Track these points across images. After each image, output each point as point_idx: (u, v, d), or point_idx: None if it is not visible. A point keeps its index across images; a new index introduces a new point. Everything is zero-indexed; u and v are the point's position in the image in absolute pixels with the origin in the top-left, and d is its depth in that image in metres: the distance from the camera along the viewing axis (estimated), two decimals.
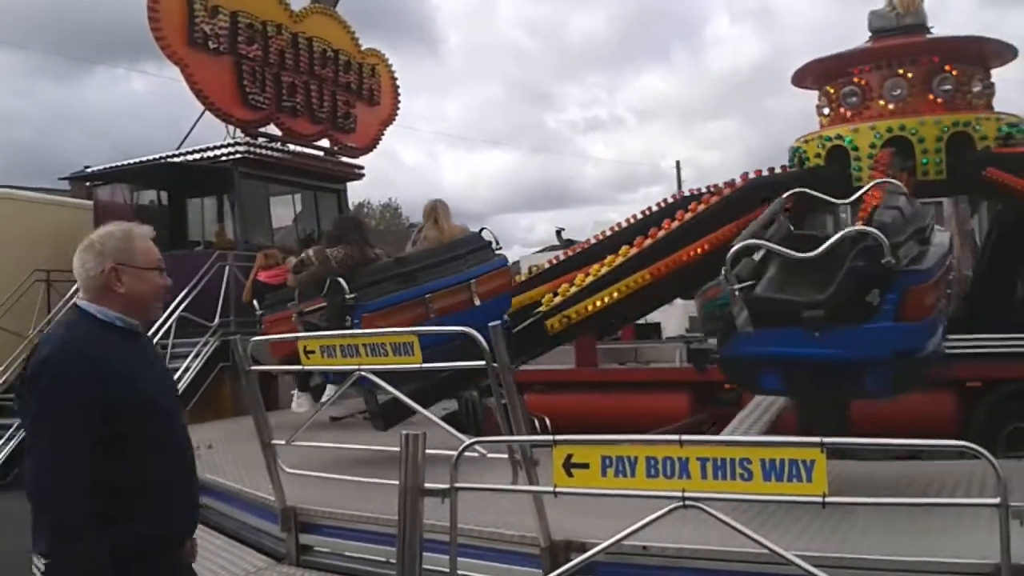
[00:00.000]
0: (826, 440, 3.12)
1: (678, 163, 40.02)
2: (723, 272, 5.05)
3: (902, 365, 4.78)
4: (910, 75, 9.97)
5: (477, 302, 7.41)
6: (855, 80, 10.33)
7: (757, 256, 5.31)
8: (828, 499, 3.09)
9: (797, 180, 9.11)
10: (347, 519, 5.43)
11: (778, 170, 10.31)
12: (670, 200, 10.87)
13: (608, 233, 10.48)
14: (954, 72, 9.96)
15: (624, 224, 10.48)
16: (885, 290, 4.69)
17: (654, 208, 10.57)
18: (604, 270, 8.25)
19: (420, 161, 75.45)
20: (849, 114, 10.34)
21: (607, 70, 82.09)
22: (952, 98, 9.92)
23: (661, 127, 74.86)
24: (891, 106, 10.00)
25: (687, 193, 11.06)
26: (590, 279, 8.11)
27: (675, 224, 8.93)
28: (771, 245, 5.16)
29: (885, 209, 5.27)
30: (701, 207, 9.23)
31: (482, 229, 8.07)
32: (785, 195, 6.41)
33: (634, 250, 8.54)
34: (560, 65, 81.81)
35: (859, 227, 4.85)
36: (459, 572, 3.87)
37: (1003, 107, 10.59)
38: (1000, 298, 9.81)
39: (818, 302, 4.74)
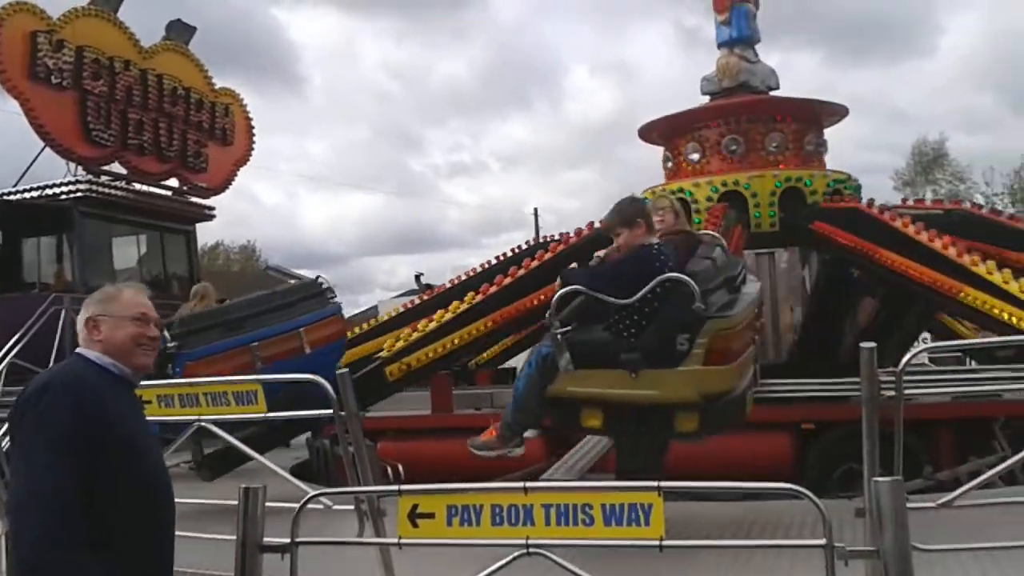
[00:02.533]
0: (663, 484, 3.21)
1: (536, 210, 40.68)
2: (547, 315, 5.21)
3: (709, 407, 5.03)
4: (745, 133, 10.58)
5: (308, 350, 7.32)
6: (696, 137, 10.89)
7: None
8: (665, 542, 3.17)
9: None
10: None
11: None
12: (523, 247, 11.09)
13: (462, 278, 10.57)
14: (786, 130, 10.62)
15: (479, 270, 10.61)
16: (695, 335, 4.92)
17: (508, 254, 10.76)
18: (448, 316, 8.30)
19: (280, 202, 74.07)
20: (690, 168, 10.89)
21: (470, 116, 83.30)
22: (784, 155, 10.57)
23: (523, 174, 76.31)
24: (727, 162, 10.58)
25: (543, 239, 11.32)
26: (433, 325, 8.15)
27: (520, 272, 9.12)
28: (591, 292, 5.22)
29: (699, 259, 5.53)
30: (548, 256, 9.45)
31: (317, 277, 8.07)
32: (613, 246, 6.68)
33: (479, 297, 8.65)
34: (424, 109, 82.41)
35: (672, 275, 5.03)
36: None
37: (837, 163, 11.38)
38: (826, 344, 10.42)
39: (633, 345, 4.96)
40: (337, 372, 4.44)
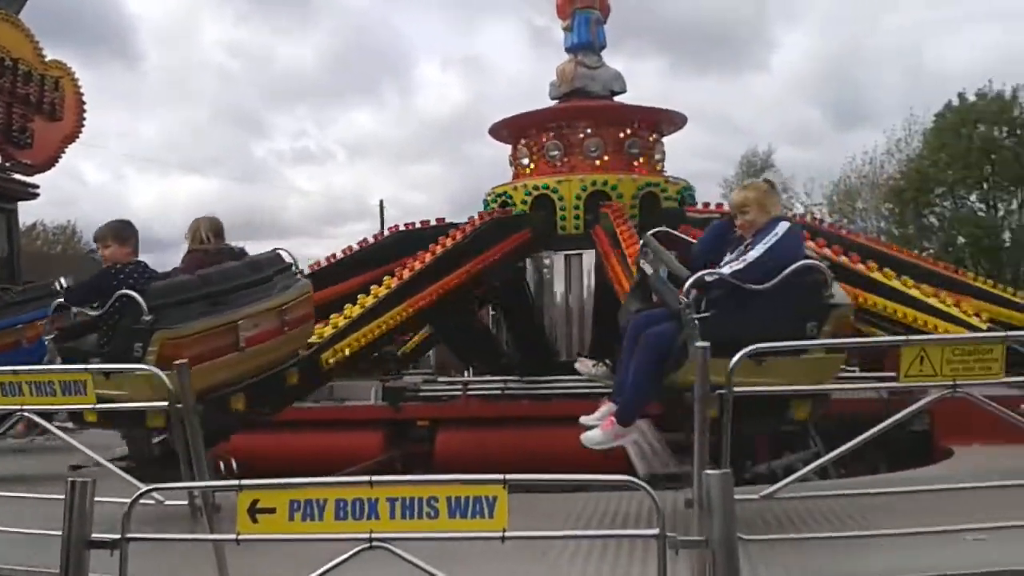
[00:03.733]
0: (508, 477, 3.29)
1: (381, 202, 40.44)
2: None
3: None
4: (566, 138, 11.02)
5: (287, 331, 6.56)
6: (527, 141, 11.23)
7: None
8: (507, 534, 3.25)
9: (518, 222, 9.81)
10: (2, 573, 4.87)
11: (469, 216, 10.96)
12: (387, 233, 11.13)
13: (323, 264, 10.52)
14: (605, 136, 11.10)
15: (340, 256, 10.57)
16: (145, 343, 5.30)
17: (371, 240, 10.78)
18: (371, 301, 8.21)
19: (106, 182, 70.00)
20: (521, 170, 11.25)
21: (317, 103, 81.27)
22: (602, 159, 11.05)
23: (369, 164, 75.12)
24: (550, 165, 10.98)
25: (403, 227, 11.35)
26: (359, 311, 8.02)
27: (429, 257, 9.17)
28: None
29: (179, 273, 6.16)
30: (449, 242, 9.54)
31: (275, 250, 7.15)
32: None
33: (395, 281, 8.64)
34: (267, 93, 79.72)
35: (126, 291, 5.44)
36: None
37: (675, 169, 11.87)
38: (609, 342, 10.90)
39: (100, 346, 5.38)
40: (176, 363, 4.28)
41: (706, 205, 12.18)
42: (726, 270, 4.95)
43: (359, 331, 7.93)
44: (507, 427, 9.41)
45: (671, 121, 11.99)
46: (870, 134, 56.86)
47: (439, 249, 9.44)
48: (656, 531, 3.22)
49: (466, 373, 12.88)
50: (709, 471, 3.40)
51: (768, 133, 69.51)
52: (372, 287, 8.56)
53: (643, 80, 58.85)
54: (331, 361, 7.45)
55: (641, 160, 11.42)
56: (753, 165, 41.27)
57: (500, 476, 3.30)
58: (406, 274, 8.89)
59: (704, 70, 61.96)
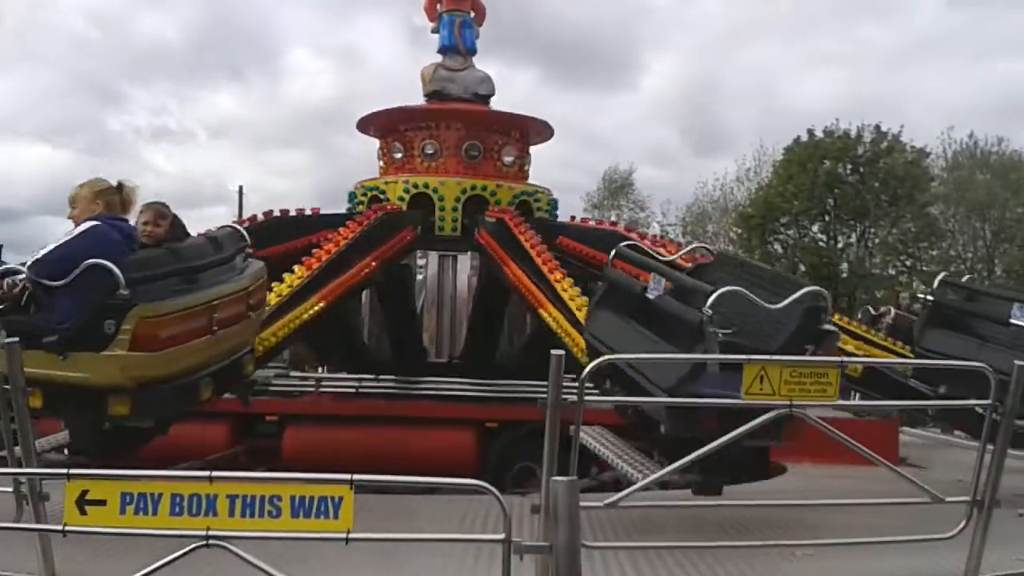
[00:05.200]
0: (356, 477, 3.24)
1: (241, 187, 39.11)
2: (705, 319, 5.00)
3: (141, 393, 5.09)
4: (442, 140, 11.09)
5: (251, 315, 6.21)
6: (400, 137, 11.23)
7: None
8: (351, 535, 3.20)
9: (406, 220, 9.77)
10: None
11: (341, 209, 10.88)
12: (261, 218, 10.78)
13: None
14: (485, 141, 11.21)
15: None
16: (120, 320, 4.92)
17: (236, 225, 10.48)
18: (287, 291, 7.93)
19: None
20: (393, 166, 11.23)
21: (178, 79, 77.85)
22: (478, 163, 11.14)
23: (231, 148, 72.53)
24: (423, 164, 11.04)
25: (277, 213, 11.04)
26: (276, 300, 7.72)
27: (333, 249, 8.94)
28: (750, 295, 5.15)
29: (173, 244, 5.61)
30: (350, 234, 9.37)
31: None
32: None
33: (306, 271, 8.38)
34: (126, 65, 75.88)
35: (95, 260, 4.93)
36: None
37: (539, 179, 12.02)
38: (485, 347, 11.05)
39: (55, 329, 4.87)
40: (4, 341, 4.02)
41: (585, 220, 12.46)
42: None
43: (278, 323, 7.70)
44: (359, 425, 9.29)
45: (539, 132, 12.12)
46: (723, 162, 59.23)
47: (342, 241, 9.23)
48: (502, 536, 3.25)
49: (320, 369, 12.64)
50: (556, 477, 3.45)
51: (631, 152, 71.19)
52: (286, 276, 8.31)
53: (515, 89, 59.49)
54: (258, 350, 7.18)
55: (515, 168, 11.51)
56: (614, 181, 42.28)
57: (347, 476, 3.25)
58: (315, 264, 8.66)
59: (576, 84, 62.94)
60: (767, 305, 5.03)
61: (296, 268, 8.57)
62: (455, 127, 11.19)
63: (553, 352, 3.97)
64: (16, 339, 4.06)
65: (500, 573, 3.32)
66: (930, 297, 7.32)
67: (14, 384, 3.92)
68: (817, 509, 5.12)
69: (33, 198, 67.24)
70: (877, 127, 33.33)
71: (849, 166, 33.56)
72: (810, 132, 33.96)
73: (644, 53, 63.81)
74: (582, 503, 3.45)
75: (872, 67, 51.79)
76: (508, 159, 11.45)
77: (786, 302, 4.99)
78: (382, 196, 10.86)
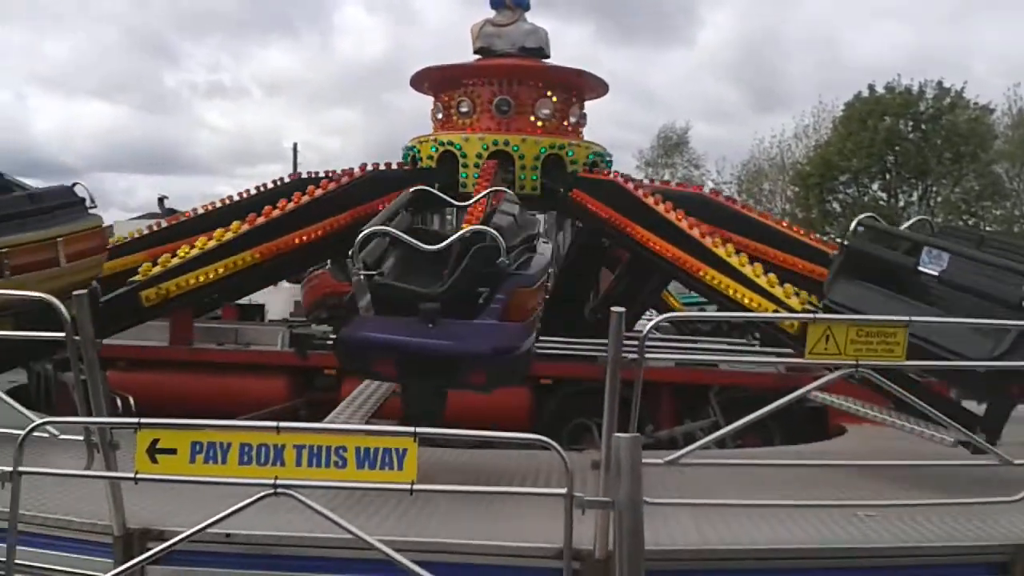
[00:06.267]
0: (419, 429, 3.27)
1: (295, 145, 39.50)
2: (350, 255, 5.07)
3: (499, 361, 5.11)
4: (516, 95, 10.86)
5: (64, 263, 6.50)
6: (468, 92, 10.99)
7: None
8: (416, 487, 3.24)
9: (413, 178, 9.55)
10: None
11: (395, 166, 10.69)
12: (286, 180, 10.76)
13: (217, 206, 10.12)
14: (554, 99, 10.97)
15: (236, 199, 10.20)
16: (495, 290, 4.97)
17: (269, 186, 10.41)
18: (212, 244, 7.90)
19: (6, 102, 66.53)
20: (461, 123, 10.99)
21: (232, 35, 78.45)
22: (550, 122, 10.93)
23: (285, 105, 72.96)
24: (495, 120, 10.81)
25: (308, 175, 11.03)
26: (195, 252, 7.72)
27: (291, 205, 8.85)
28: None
29: (502, 215, 5.60)
30: (319, 192, 9.24)
31: (75, 184, 7.10)
32: (412, 190, 6.66)
33: (245, 226, 8.30)
34: (181, 20, 76.42)
35: (478, 227, 5.09)
36: (20, 562, 3.52)
37: (590, 135, 11.84)
38: (572, 307, 10.98)
39: (435, 295, 4.93)
40: (74, 293, 4.11)
41: (665, 182, 12.19)
42: None
43: (193, 272, 7.71)
44: None
45: (591, 87, 11.91)
46: (781, 118, 57.96)
47: (304, 199, 9.20)
48: (564, 490, 3.27)
49: None
50: (619, 434, 3.45)
51: (686, 109, 70.17)
52: (218, 229, 8.32)
53: (567, 44, 58.75)
54: (151, 298, 7.26)
55: (552, 122, 11.34)
56: (669, 139, 41.75)
57: (411, 428, 3.28)
58: (260, 220, 8.63)
59: (630, 39, 62.08)
60: (422, 245, 5.04)
61: (235, 223, 8.50)
62: (499, 82, 11.04)
63: (613, 309, 3.95)
64: (86, 291, 4.15)
65: (559, 527, 3.35)
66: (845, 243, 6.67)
67: (84, 335, 4.01)
68: (880, 470, 5.06)
69: (90, 154, 68.53)
70: (939, 83, 32.44)
71: (911, 123, 32.73)
72: (871, 88, 33.14)
73: (701, 6, 62.75)
74: (643, 460, 3.45)
75: (935, 21, 50.38)
76: (574, 117, 11.32)
77: (446, 242, 5.01)
78: (458, 152, 10.74)
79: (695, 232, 8.54)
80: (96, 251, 7.07)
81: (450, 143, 10.80)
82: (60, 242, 6.48)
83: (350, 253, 5.01)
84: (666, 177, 36.13)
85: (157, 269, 7.32)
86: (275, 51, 73.48)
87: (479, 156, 10.50)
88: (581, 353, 9.50)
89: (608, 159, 11.45)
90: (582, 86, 11.47)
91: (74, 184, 7.09)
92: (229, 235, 8.08)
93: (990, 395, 5.36)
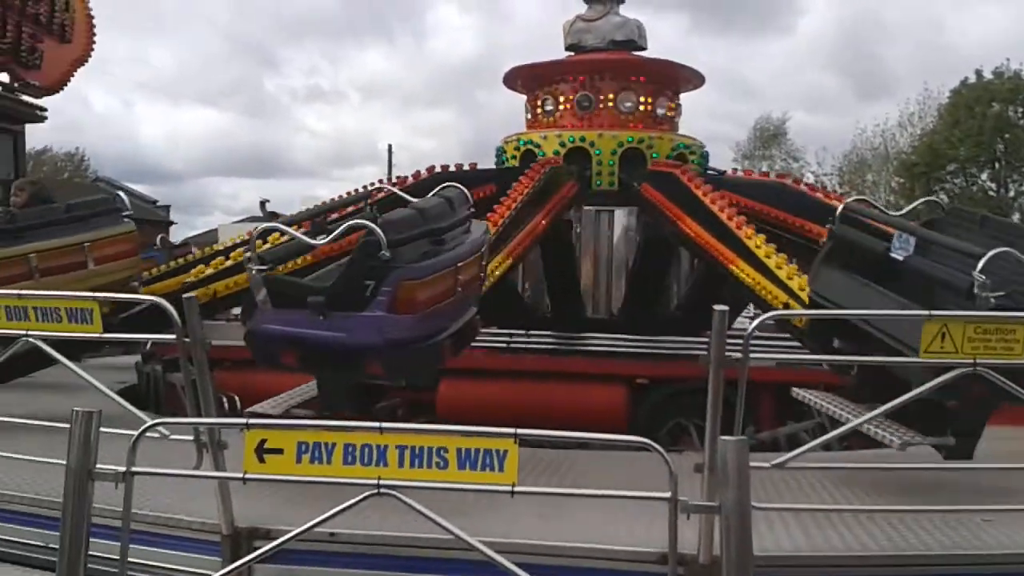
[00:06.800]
0: (519, 431, 3.24)
1: (390, 146, 40.31)
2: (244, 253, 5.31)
3: (395, 353, 5.15)
4: (597, 90, 10.82)
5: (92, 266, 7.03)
6: (551, 90, 11.03)
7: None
8: (516, 488, 3.22)
9: (482, 177, 9.72)
10: (4, 500, 4.86)
11: (466, 167, 10.89)
12: (424, 175, 11.02)
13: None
14: (638, 91, 10.87)
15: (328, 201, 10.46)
16: (380, 283, 4.99)
17: (360, 190, 10.65)
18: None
19: (114, 110, 69.46)
20: (546, 120, 11.05)
21: (330, 39, 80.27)
22: (634, 115, 10.83)
23: (380, 107, 74.35)
24: (576, 117, 10.82)
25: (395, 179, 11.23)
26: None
27: (513, 205, 9.14)
28: (288, 229, 5.72)
29: (402, 208, 5.75)
30: (524, 189, 9.43)
31: (116, 194, 7.97)
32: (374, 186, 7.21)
33: (492, 228, 8.56)
34: (281, 26, 78.62)
35: (360, 221, 5.29)
36: (132, 560, 3.63)
37: (687, 129, 11.66)
38: (647, 303, 10.85)
39: (321, 288, 5.09)
40: (184, 296, 4.22)
41: (748, 172, 12.00)
42: None
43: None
44: (510, 380, 9.37)
45: (684, 78, 11.74)
46: (884, 106, 56.31)
47: (519, 196, 9.29)
48: (668, 494, 3.20)
49: None
50: (724, 437, 3.36)
51: (783, 99, 68.79)
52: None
53: (662, 36, 58.21)
54: None
55: (636, 115, 11.21)
56: (766, 131, 40.90)
57: (511, 430, 3.26)
58: (499, 221, 8.74)
59: (726, 30, 61.10)
60: (304, 239, 5.13)
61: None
62: (608, 78, 10.96)
63: (716, 307, 3.85)
64: (194, 295, 4.26)
65: (658, 531, 3.28)
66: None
67: (193, 336, 4.11)
68: (994, 473, 4.83)
69: (196, 159, 71.00)
70: None
71: (1020, 109, 31.30)
72: (978, 73, 31.91)
73: None
74: (750, 463, 3.34)
75: None
76: (661, 110, 11.16)
77: (330, 237, 5.00)
78: (537, 151, 10.78)
79: (732, 223, 8.40)
80: (126, 255, 7.63)
81: (530, 142, 10.87)
82: (87, 247, 7.14)
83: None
84: (764, 168, 35.39)
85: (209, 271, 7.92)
86: (371, 54, 74.93)
87: (556, 153, 10.52)
88: (678, 352, 9.37)
89: (701, 152, 11.26)
90: (673, 77, 11.32)
91: (116, 195, 8.01)
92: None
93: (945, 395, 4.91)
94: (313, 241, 5.50)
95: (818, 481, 5.08)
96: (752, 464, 3.42)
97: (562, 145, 10.56)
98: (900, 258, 5.45)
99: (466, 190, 6.44)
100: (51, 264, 6.85)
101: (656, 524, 3.31)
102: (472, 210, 6.41)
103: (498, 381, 9.48)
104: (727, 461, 3.21)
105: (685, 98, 11.86)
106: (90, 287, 6.46)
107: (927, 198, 7.18)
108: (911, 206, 7.04)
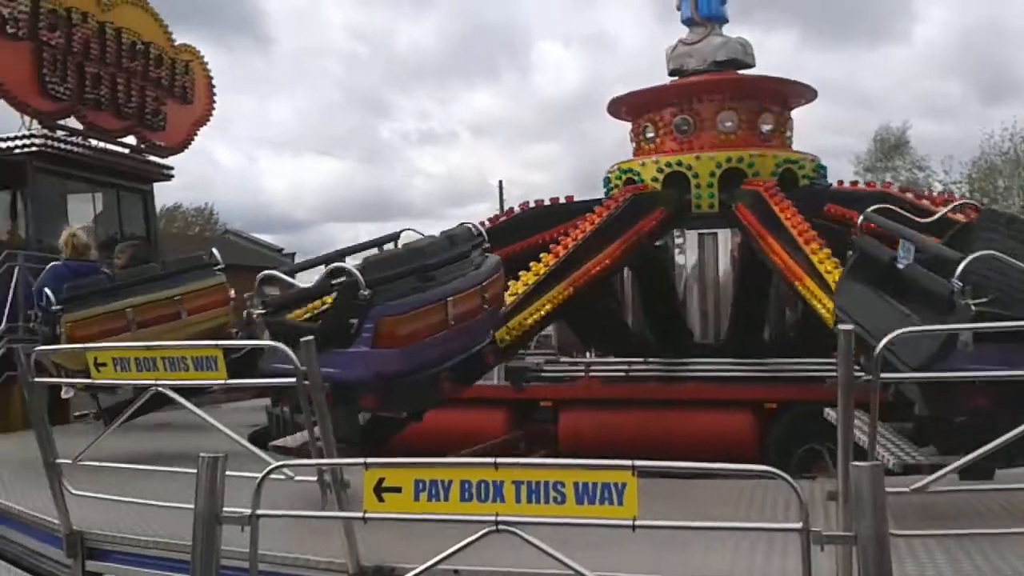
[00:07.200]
0: (637, 464, 3.14)
1: (500, 183, 40.89)
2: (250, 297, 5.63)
3: (386, 386, 5.35)
4: (696, 113, 10.69)
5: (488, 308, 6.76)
6: (650, 116, 10.95)
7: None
8: (638, 522, 3.11)
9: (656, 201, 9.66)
10: (138, 544, 5.04)
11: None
12: (517, 210, 11.09)
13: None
14: (739, 110, 10.70)
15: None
16: (362, 320, 5.24)
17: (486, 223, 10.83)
18: (532, 279, 8.24)
19: (240, 164, 72.80)
20: (647, 147, 10.95)
21: (438, 84, 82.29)
22: (736, 134, 10.65)
23: (490, 144, 75.61)
24: (676, 141, 10.69)
25: (517, 207, 11.31)
26: (522, 288, 8.06)
27: (580, 235, 9.14)
28: (285, 278, 5.89)
29: (391, 248, 6.21)
30: (597, 219, 9.46)
31: (209, 251, 8.32)
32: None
33: (554, 259, 8.63)
34: (391, 75, 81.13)
35: (340, 264, 5.65)
36: None
37: (805, 144, 11.35)
38: (749, 325, 10.52)
39: (311, 328, 5.34)
40: (301, 340, 4.30)
41: (854, 183, 11.64)
42: None
43: (527, 309, 7.91)
44: (633, 409, 9.24)
45: (799, 94, 11.46)
46: (1013, 109, 53.57)
47: (588, 226, 9.28)
48: (799, 524, 3.04)
49: (588, 354, 12.72)
50: (858, 463, 3.17)
51: (903, 108, 66.32)
52: (532, 264, 8.52)
53: (773, 53, 57.12)
54: (507, 338, 7.50)
55: (774, 135, 10.95)
56: (887, 141, 39.48)
57: (629, 462, 3.16)
58: (561, 251, 8.78)
59: (838, 43, 59.59)
60: (300, 285, 5.17)
61: (543, 256, 8.63)
62: (706, 100, 10.81)
63: (842, 327, 3.68)
64: (312, 336, 4.33)
65: (793, 563, 3.12)
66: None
67: (312, 380, 4.18)
68: None
69: (317, 207, 73.44)
70: None
71: None
72: None
73: (914, 1, 59.24)
74: (887, 488, 3.15)
75: None
76: (766, 127, 10.90)
77: (315, 282, 4.97)
78: (636, 178, 10.71)
79: (800, 239, 8.08)
80: (218, 304, 8.06)
81: (630, 170, 10.80)
82: (180, 299, 7.61)
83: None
84: (888, 180, 34.09)
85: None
86: (479, 93, 76.26)
87: (654, 180, 10.42)
88: (804, 375, 9.05)
89: (813, 166, 10.93)
90: (779, 92, 11.06)
91: (209, 250, 8.46)
92: (543, 270, 8.39)
93: (932, 409, 4.89)
94: (305, 286, 5.85)
95: (969, 505, 4.77)
96: (890, 490, 3.23)
97: (660, 171, 10.48)
98: (901, 266, 5.22)
99: (477, 226, 6.71)
100: (147, 317, 7.37)
101: (784, 555, 3.14)
102: (485, 245, 6.67)
103: (620, 411, 9.37)
104: (861, 488, 3.02)
105: (797, 113, 11.58)
106: (184, 336, 6.90)
107: (963, 200, 6.79)
108: (944, 210, 6.68)
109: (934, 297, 4.70)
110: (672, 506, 5.00)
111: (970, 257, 4.46)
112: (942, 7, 58.11)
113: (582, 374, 10.78)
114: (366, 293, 5.25)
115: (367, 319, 5.28)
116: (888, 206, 6.68)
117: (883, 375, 3.85)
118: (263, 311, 5.52)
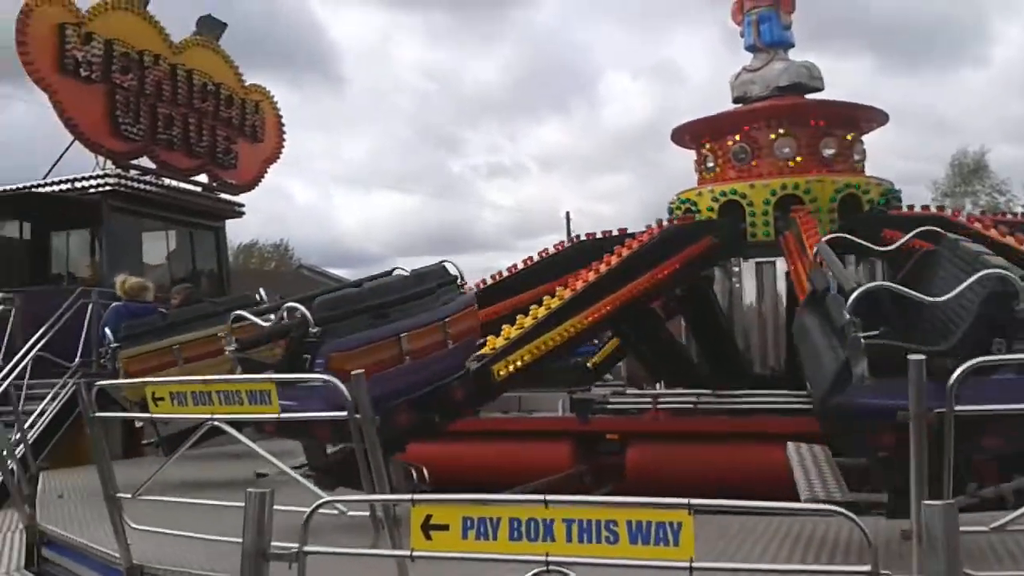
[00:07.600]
0: (693, 502, 3.00)
1: (568, 214, 40.86)
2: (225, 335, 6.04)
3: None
4: (754, 140, 10.55)
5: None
6: (710, 146, 10.78)
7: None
8: (696, 564, 2.96)
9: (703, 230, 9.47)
10: None
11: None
12: (567, 244, 11.02)
13: (503, 275, 10.54)
14: (800, 136, 10.49)
15: (521, 266, 10.62)
16: (313, 357, 5.49)
17: (552, 251, 10.76)
18: (543, 313, 8.10)
19: (314, 201, 74.31)
20: (707, 176, 10.79)
21: (507, 118, 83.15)
22: (795, 161, 10.43)
23: (558, 176, 76.00)
24: (735, 169, 10.50)
25: (582, 237, 11.25)
26: (529, 322, 7.92)
27: (603, 267, 9.01)
28: (248, 315, 6.21)
29: (343, 289, 6.48)
30: (625, 252, 9.34)
31: (442, 262, 7.48)
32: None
33: (569, 292, 8.49)
34: (460, 111, 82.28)
35: (292, 303, 5.90)
36: None
37: (878, 170, 11.05)
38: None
39: (274, 364, 5.64)
40: (352, 373, 4.27)
41: (911, 207, 11.24)
42: None
43: (532, 343, 7.73)
44: (701, 443, 9.00)
45: (868, 118, 11.17)
46: None
47: (613, 260, 9.14)
48: (868, 568, 2.85)
49: (657, 386, 12.48)
50: (930, 501, 2.98)
51: (983, 132, 64.51)
52: (545, 298, 8.37)
53: (847, 79, 56.28)
54: (502, 373, 7.30)
55: (837, 160, 10.68)
56: (965, 166, 38.40)
57: (684, 501, 3.01)
58: (579, 285, 8.64)
59: (914, 69, 58.40)
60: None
61: (557, 290, 8.49)
62: (763, 126, 10.62)
63: (911, 358, 3.49)
64: (362, 371, 4.29)
65: None
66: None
67: (364, 414, 4.13)
68: None
69: (390, 242, 74.39)
70: None
71: None
72: None
73: (993, 22, 57.92)
74: (964, 527, 2.94)
75: None
76: (828, 151, 10.63)
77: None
78: (694, 208, 10.57)
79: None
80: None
81: (687, 200, 10.66)
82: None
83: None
84: (967, 206, 33.08)
85: (501, 342, 7.47)
86: (548, 127, 76.68)
87: (710, 209, 10.24)
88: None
89: (882, 191, 10.61)
90: (846, 116, 10.81)
91: (258, 291, 8.93)
92: (556, 303, 8.24)
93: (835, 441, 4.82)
94: (264, 322, 6.12)
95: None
96: (966, 528, 3.02)
97: (715, 200, 10.35)
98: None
99: (454, 264, 7.00)
100: (192, 353, 7.91)
101: None
102: (455, 282, 6.92)
103: (689, 444, 9.12)
104: (933, 528, 2.83)
105: (870, 138, 11.28)
106: (227, 370, 6.87)
107: (925, 227, 6.60)
108: (905, 238, 6.56)
109: (837, 329, 4.63)
110: (733, 546, 4.82)
111: (860, 289, 4.39)
112: (1020, 27, 56.51)
113: (649, 406, 10.55)
114: (315, 331, 5.52)
115: (318, 355, 5.50)
116: (843, 235, 6.54)
117: (957, 408, 3.63)
118: (234, 348, 5.83)
